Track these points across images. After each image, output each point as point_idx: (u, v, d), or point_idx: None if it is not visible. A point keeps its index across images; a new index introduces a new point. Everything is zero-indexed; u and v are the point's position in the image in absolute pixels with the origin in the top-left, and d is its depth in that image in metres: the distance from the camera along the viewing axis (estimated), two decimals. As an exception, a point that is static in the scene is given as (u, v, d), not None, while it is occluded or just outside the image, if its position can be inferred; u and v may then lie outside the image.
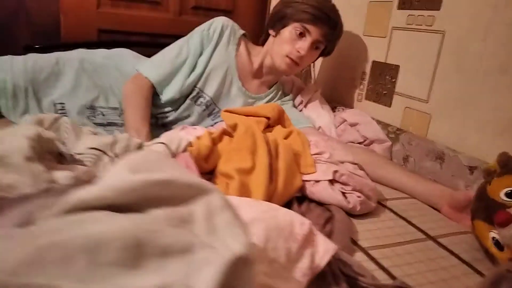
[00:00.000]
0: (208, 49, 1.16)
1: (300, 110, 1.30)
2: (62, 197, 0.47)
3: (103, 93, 1.14)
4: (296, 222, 0.58)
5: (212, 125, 1.18)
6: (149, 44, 1.57)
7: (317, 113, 1.27)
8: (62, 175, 0.50)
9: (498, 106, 0.90)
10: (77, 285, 0.27)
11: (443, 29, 1.03)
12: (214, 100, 1.18)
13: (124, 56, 1.22)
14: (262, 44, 1.25)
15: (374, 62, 1.29)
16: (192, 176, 0.38)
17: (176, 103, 1.15)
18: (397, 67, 1.19)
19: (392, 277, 0.65)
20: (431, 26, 1.06)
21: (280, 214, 0.58)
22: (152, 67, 1.12)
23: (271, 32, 1.20)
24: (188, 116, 1.17)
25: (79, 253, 0.29)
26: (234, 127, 0.88)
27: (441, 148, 0.99)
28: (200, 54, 1.15)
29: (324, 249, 0.57)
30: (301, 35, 1.12)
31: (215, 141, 0.85)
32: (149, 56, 1.19)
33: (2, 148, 0.50)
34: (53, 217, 0.35)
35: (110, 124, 1.12)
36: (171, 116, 1.16)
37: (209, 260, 0.32)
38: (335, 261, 0.63)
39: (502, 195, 0.68)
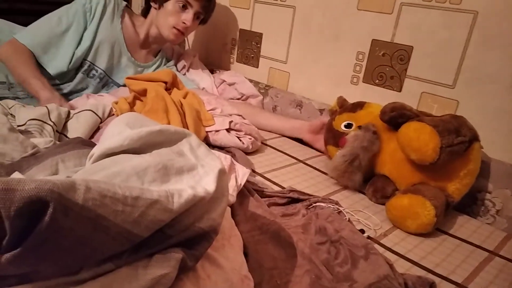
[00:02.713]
0: (93, 23, 1.21)
1: (184, 74, 1.48)
2: (51, 157, 0.59)
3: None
4: (221, 157, 0.80)
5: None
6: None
7: (199, 76, 1.46)
8: (41, 141, 0.61)
9: (334, 64, 1.27)
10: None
11: (294, 4, 1.33)
12: (107, 72, 1.26)
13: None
14: (144, 15, 1.36)
15: (241, 30, 1.54)
16: (175, 126, 0.56)
17: (65, 76, 1.19)
18: (260, 35, 1.47)
19: (282, 187, 0.94)
20: (284, 1, 1.35)
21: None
22: (28, 34, 1.13)
23: (153, 4, 1.31)
24: (84, 89, 1.24)
25: (131, 176, 0.46)
26: (144, 92, 1.03)
27: (299, 97, 1.33)
28: (85, 29, 1.20)
29: (242, 173, 0.82)
30: (184, 7, 1.27)
31: (131, 105, 0.99)
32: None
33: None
34: (93, 162, 0.49)
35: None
36: (66, 89, 1.20)
37: (207, 173, 0.52)
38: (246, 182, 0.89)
39: (342, 127, 1.02)
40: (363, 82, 1.20)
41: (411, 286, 0.61)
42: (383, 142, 0.94)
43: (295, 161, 1.11)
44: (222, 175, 0.53)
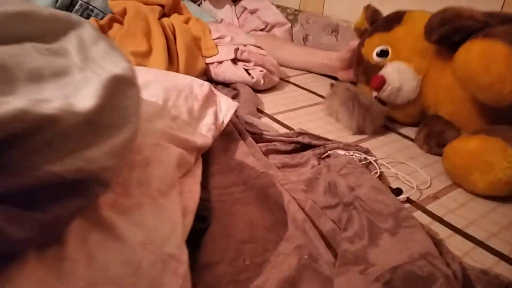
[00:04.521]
0: None
1: (199, 4, 1.24)
2: None
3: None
4: (196, 83, 0.58)
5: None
6: None
7: (217, 5, 1.22)
8: None
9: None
10: None
11: None
12: (106, 11, 1.06)
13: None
14: None
15: None
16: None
17: None
18: None
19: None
20: None
21: (178, 77, 0.57)
22: None
23: None
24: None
25: None
26: (124, 12, 0.81)
27: (336, 21, 1.03)
28: None
29: (226, 107, 0.59)
30: None
31: (104, 28, 0.79)
32: None
33: None
34: None
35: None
36: None
37: (88, 80, 0.30)
38: (240, 122, 0.66)
39: (374, 56, 0.72)
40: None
41: (474, 280, 0.36)
42: (434, 74, 0.65)
43: (321, 100, 0.85)
44: (120, 86, 0.31)
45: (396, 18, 0.71)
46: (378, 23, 0.74)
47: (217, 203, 0.49)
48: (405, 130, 0.73)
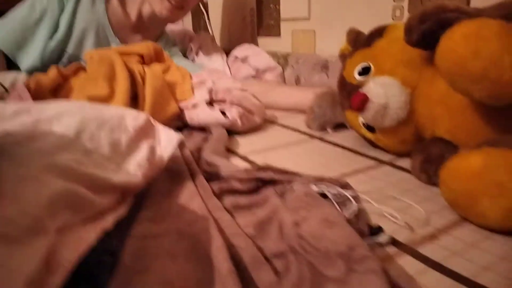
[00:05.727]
0: (69, 7, 1.01)
1: (193, 60, 1.22)
2: None
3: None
4: (129, 114, 0.50)
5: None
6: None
7: (208, 58, 1.19)
8: None
9: (370, 11, 0.88)
10: None
11: None
12: None
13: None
14: (136, -9, 1.14)
15: (258, -5, 1.24)
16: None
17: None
18: (278, -7, 1.15)
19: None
20: None
21: (108, 109, 0.50)
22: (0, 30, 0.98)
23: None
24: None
25: None
26: (91, 60, 0.78)
27: (325, 57, 0.96)
28: (61, 12, 1.02)
29: (166, 140, 0.50)
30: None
31: (68, 75, 0.75)
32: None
33: None
34: None
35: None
36: None
37: None
38: (201, 162, 0.57)
39: (356, 75, 0.61)
40: (409, 12, 0.79)
41: None
42: (425, 84, 0.54)
43: (308, 138, 0.74)
44: None
45: (378, 32, 0.62)
46: (359, 41, 0.66)
47: (131, 258, 0.37)
48: (402, 162, 0.60)
